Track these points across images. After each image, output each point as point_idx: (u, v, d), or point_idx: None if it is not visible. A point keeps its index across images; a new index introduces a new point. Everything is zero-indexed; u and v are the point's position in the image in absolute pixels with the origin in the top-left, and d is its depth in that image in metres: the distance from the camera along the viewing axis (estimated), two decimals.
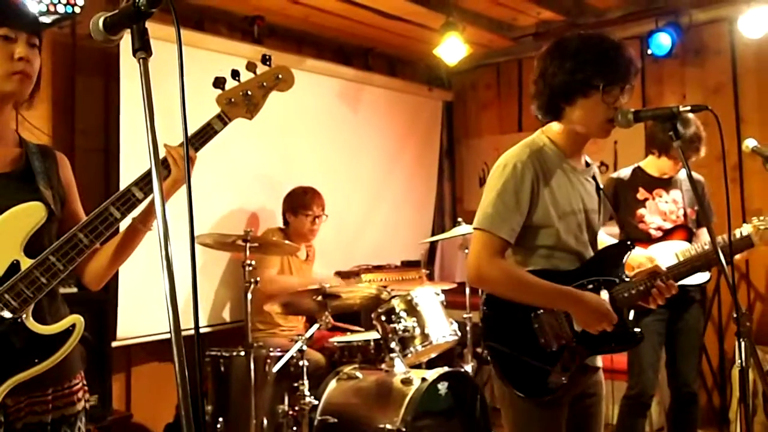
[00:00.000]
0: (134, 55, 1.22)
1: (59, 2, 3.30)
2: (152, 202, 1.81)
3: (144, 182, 1.73)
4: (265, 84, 1.95)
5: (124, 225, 1.86)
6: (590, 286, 2.13)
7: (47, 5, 3.28)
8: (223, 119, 1.89)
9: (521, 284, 2.08)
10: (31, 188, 1.75)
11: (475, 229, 2.11)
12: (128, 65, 3.87)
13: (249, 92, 1.92)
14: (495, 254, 2.06)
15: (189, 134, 1.77)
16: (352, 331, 4.26)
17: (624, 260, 2.21)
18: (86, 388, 1.88)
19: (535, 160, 2.10)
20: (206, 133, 1.86)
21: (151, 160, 1.13)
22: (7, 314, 1.60)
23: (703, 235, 3.53)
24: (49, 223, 1.73)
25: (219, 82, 1.89)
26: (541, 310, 2.10)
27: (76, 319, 1.69)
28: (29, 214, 1.68)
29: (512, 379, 2.13)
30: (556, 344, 2.09)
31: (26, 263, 1.64)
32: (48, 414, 1.75)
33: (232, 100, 1.91)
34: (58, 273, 1.64)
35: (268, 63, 1.96)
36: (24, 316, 1.62)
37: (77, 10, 3.37)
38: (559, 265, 2.13)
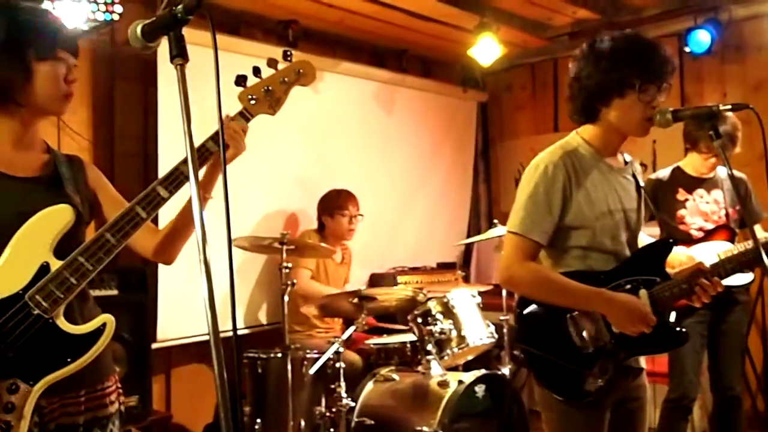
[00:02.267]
0: (171, 61, 1.24)
1: (98, 10, 3.36)
2: (210, 173, 1.86)
3: (168, 181, 1.74)
4: (286, 79, 1.94)
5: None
6: (628, 286, 2.09)
7: (87, 13, 3.34)
8: (245, 116, 1.90)
9: (551, 286, 2.08)
10: (59, 192, 1.79)
11: (508, 232, 2.12)
12: (166, 71, 3.93)
13: (270, 88, 1.91)
14: (525, 256, 2.07)
15: (211, 134, 1.83)
16: (393, 331, 4.26)
17: (665, 259, 2.17)
18: (120, 390, 1.91)
19: (568, 161, 2.09)
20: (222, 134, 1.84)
21: (189, 163, 1.14)
22: (38, 314, 1.63)
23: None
24: (78, 225, 1.76)
25: (240, 80, 1.88)
26: (577, 312, 2.08)
27: (107, 319, 1.71)
28: (58, 217, 1.71)
29: (548, 381, 2.11)
30: (593, 346, 2.07)
31: (56, 265, 1.66)
32: (80, 415, 1.77)
33: (254, 96, 1.90)
34: (87, 273, 1.66)
35: (289, 59, 1.95)
36: (55, 316, 1.65)
37: (116, 17, 3.43)
38: (594, 266, 2.11)
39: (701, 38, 4.77)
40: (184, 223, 1.91)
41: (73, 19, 3.32)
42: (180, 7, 1.25)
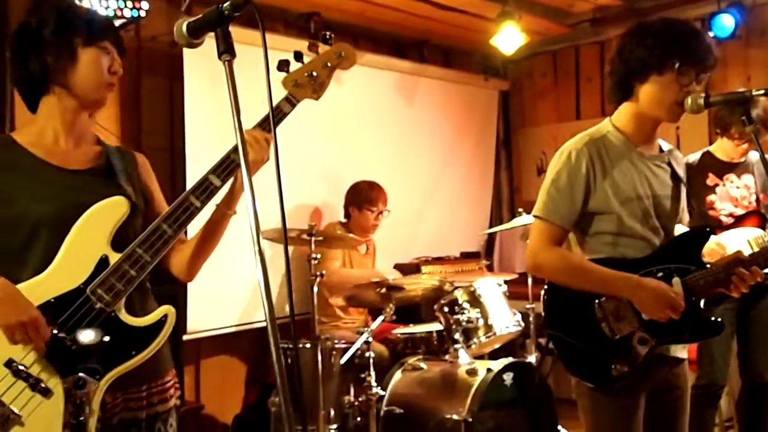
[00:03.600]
0: (219, 57, 1.27)
1: (126, 7, 3.39)
2: (234, 187, 1.85)
3: (220, 170, 1.75)
4: (328, 63, 1.92)
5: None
6: (660, 274, 2.09)
7: (114, 10, 3.38)
8: (291, 101, 1.89)
9: (577, 270, 2.11)
10: (113, 183, 1.80)
11: (534, 217, 2.17)
12: (192, 66, 3.97)
13: (314, 73, 1.89)
14: (551, 241, 2.11)
15: (258, 120, 1.83)
16: (419, 321, 4.27)
17: (701, 248, 2.17)
18: (177, 385, 1.92)
19: (593, 148, 2.11)
20: (276, 117, 1.84)
21: (241, 158, 1.18)
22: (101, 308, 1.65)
23: None
24: (133, 216, 1.77)
25: (283, 65, 1.87)
26: (605, 297, 2.09)
27: (168, 310, 1.72)
28: (113, 209, 1.72)
29: (576, 368, 2.13)
30: (621, 332, 2.07)
31: (114, 257, 1.67)
32: (143, 410, 1.79)
33: (298, 81, 1.89)
34: (146, 264, 1.67)
35: (329, 42, 1.93)
36: (117, 309, 1.67)
37: (143, 13, 3.47)
38: (626, 253, 2.11)
39: (725, 22, 4.72)
40: (207, 239, 1.89)
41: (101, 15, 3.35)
42: (227, 4, 1.27)
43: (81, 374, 1.62)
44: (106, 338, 1.65)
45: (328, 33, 1.93)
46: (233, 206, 1.86)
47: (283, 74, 1.88)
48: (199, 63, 3.93)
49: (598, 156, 2.11)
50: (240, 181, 1.85)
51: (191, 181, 3.84)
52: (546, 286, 2.19)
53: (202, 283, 3.98)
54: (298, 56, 1.89)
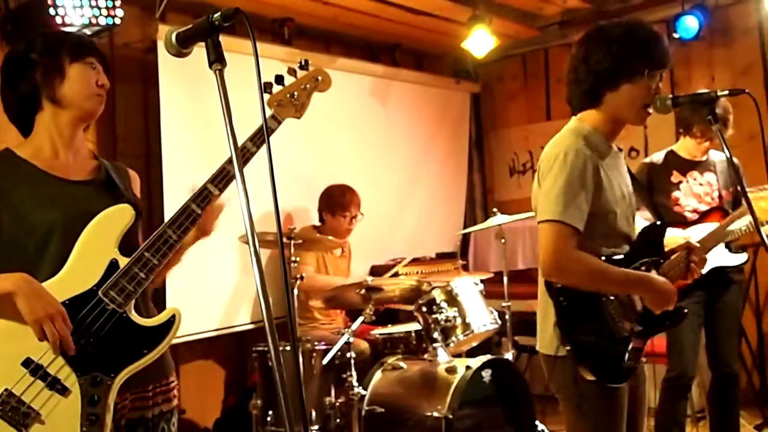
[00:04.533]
0: (210, 67, 1.31)
1: (101, 15, 3.40)
2: (195, 236, 1.97)
3: (218, 179, 1.86)
4: (307, 86, 2.13)
5: None
6: (643, 268, 2.18)
7: (89, 18, 3.38)
8: (277, 119, 2.07)
9: (600, 274, 2.09)
10: (116, 194, 1.90)
11: (546, 221, 2.08)
12: (167, 72, 3.98)
13: (295, 94, 2.10)
14: (571, 245, 2.04)
15: (250, 135, 1.94)
16: (398, 321, 4.32)
17: (662, 240, 2.27)
18: (178, 386, 2.00)
19: (588, 147, 2.11)
20: (263, 133, 1.96)
21: (234, 164, 1.21)
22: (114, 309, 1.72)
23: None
24: (136, 223, 1.85)
25: (267, 87, 2.05)
26: (612, 297, 2.12)
27: (176, 311, 1.81)
28: (121, 215, 1.81)
29: (596, 368, 2.10)
30: (627, 329, 2.13)
31: (123, 261, 1.76)
32: (149, 410, 1.87)
33: (281, 102, 2.08)
34: (154, 267, 1.76)
35: (305, 67, 2.13)
36: (128, 310, 1.74)
37: (117, 21, 3.47)
38: (616, 251, 2.17)
39: (689, 24, 4.85)
40: (170, 261, 1.96)
41: (75, 24, 3.36)
42: (218, 14, 1.32)
43: (96, 372, 1.68)
44: (119, 338, 1.72)
45: (305, 59, 2.13)
46: (184, 251, 1.99)
47: (267, 95, 2.05)
48: (175, 69, 3.94)
49: (596, 155, 2.12)
50: (201, 231, 1.97)
51: (168, 187, 3.88)
52: (558, 289, 2.13)
53: (180, 288, 4.03)
54: (279, 79, 2.07)
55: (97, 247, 1.77)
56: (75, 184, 1.86)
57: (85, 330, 1.69)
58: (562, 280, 2.12)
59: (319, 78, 2.16)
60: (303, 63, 2.13)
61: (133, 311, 1.76)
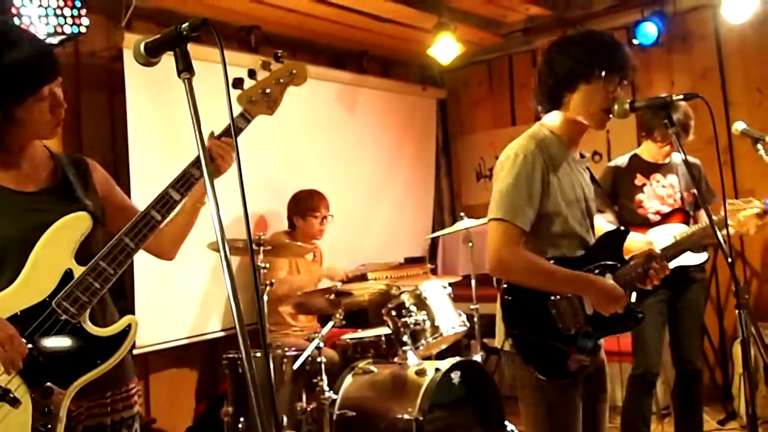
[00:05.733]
0: (179, 76, 1.33)
1: (66, 23, 3.39)
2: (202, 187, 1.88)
3: (179, 184, 1.80)
4: (281, 80, 2.00)
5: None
6: (597, 271, 2.24)
7: (54, 27, 3.37)
8: (246, 117, 1.96)
9: (543, 272, 2.16)
10: (73, 199, 1.83)
11: (491, 220, 2.17)
12: (133, 80, 3.96)
13: (267, 90, 1.98)
14: (515, 243, 2.13)
15: (217, 134, 1.90)
16: (368, 326, 4.34)
17: (622, 246, 2.33)
18: (141, 392, 1.99)
19: (543, 150, 2.19)
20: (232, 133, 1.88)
21: (204, 171, 1.24)
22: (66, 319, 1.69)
23: (703, 217, 3.64)
24: (95, 230, 1.81)
25: (237, 83, 1.93)
26: (558, 296, 2.18)
27: (132, 320, 1.78)
28: (77, 224, 1.77)
29: (537, 363, 2.18)
30: (574, 328, 2.19)
31: (79, 271, 1.72)
32: (107, 416, 1.84)
33: (252, 98, 1.96)
34: (109, 277, 1.72)
35: (280, 60, 2.01)
36: (82, 320, 1.71)
37: (83, 29, 3.46)
38: (566, 252, 2.23)
39: (648, 30, 4.96)
40: (184, 226, 1.99)
41: (40, 33, 3.34)
42: (186, 25, 1.34)
43: (48, 384, 1.66)
44: (72, 348, 1.70)
45: (279, 51, 1.99)
46: (203, 200, 1.95)
47: (239, 91, 1.94)
48: (141, 77, 3.93)
49: (548, 158, 2.19)
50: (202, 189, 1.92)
51: (136, 194, 3.88)
52: (504, 287, 2.23)
53: (150, 297, 4.02)
54: (252, 74, 1.97)
55: (51, 257, 1.73)
56: (30, 196, 1.80)
57: (37, 341, 1.67)
58: (505, 277, 2.21)
59: (294, 71, 2.02)
60: (278, 55, 2.00)
61: (87, 321, 1.72)
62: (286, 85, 2.01)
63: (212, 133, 1.93)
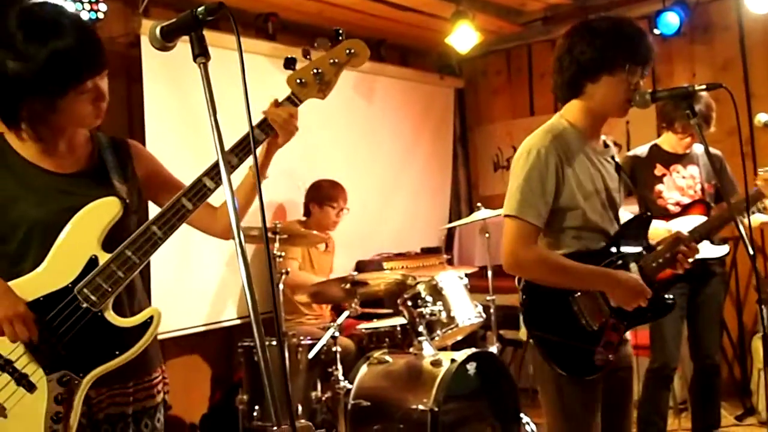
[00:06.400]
0: (195, 60, 1.31)
1: (83, 9, 3.39)
2: (265, 158, 1.89)
3: (214, 173, 1.72)
4: (336, 60, 1.81)
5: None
6: (619, 262, 2.20)
7: None
8: (293, 101, 1.82)
9: (558, 269, 2.13)
10: (106, 184, 1.78)
11: (505, 216, 2.16)
12: (150, 67, 3.97)
13: (320, 70, 1.79)
14: (529, 240, 2.11)
15: (256, 122, 1.80)
16: (382, 316, 4.34)
17: (646, 232, 2.29)
18: (166, 380, 1.94)
19: (558, 144, 2.16)
20: (262, 126, 1.84)
21: (220, 160, 1.21)
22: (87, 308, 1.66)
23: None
24: (126, 217, 1.76)
25: (290, 63, 1.77)
26: (578, 293, 2.15)
27: (154, 311, 1.73)
28: (106, 210, 1.71)
29: (560, 362, 2.15)
30: (597, 323, 2.15)
31: (104, 258, 1.67)
32: (129, 406, 1.81)
33: (303, 80, 1.80)
34: (134, 266, 1.67)
35: (340, 38, 1.82)
36: (103, 309, 1.67)
37: (101, 15, 3.47)
38: (589, 245, 2.19)
39: (670, 20, 4.89)
40: (246, 202, 1.90)
41: None
42: (202, 8, 1.32)
43: (65, 371, 1.65)
44: (91, 338, 1.67)
45: (340, 29, 1.81)
46: (264, 173, 1.89)
47: (289, 72, 1.79)
48: (159, 64, 3.94)
49: (564, 152, 2.15)
50: (270, 148, 1.89)
51: None
52: (523, 285, 2.20)
53: (166, 285, 4.03)
54: (306, 53, 1.81)
55: (77, 242, 1.69)
56: (64, 177, 1.76)
57: (56, 328, 1.65)
58: (519, 274, 2.19)
59: (352, 50, 1.81)
60: (338, 33, 1.79)
61: (110, 310, 1.68)
62: (342, 66, 1.82)
63: (276, 101, 1.83)
